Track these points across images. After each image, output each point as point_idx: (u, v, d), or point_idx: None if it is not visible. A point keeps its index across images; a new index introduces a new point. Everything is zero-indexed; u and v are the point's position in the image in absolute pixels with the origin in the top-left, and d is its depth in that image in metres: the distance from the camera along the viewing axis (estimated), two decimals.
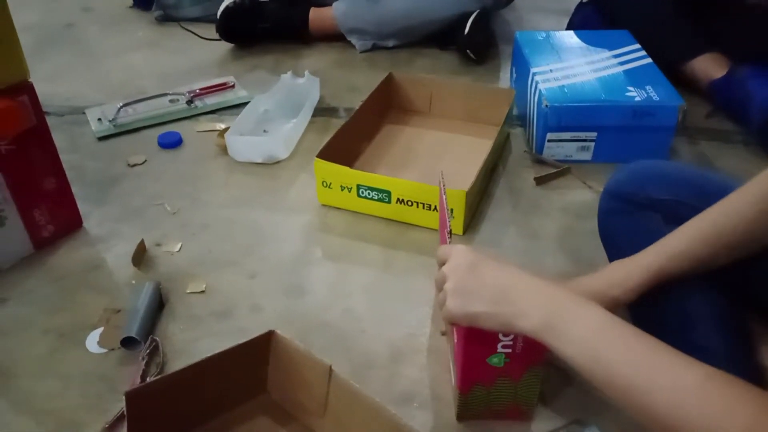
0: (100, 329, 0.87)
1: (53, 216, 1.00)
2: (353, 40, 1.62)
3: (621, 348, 0.55)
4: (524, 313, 0.60)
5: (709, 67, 1.33)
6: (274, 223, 1.08)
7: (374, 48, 1.63)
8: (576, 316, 0.58)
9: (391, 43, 1.62)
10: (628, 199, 0.83)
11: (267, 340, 0.75)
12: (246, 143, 1.20)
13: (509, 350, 0.68)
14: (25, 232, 0.96)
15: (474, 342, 0.67)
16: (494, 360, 0.69)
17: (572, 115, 1.16)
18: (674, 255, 0.73)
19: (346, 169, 1.07)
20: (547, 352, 0.61)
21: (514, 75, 1.42)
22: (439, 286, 0.68)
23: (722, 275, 0.75)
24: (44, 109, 1.35)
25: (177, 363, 0.83)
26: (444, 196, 0.79)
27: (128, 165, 1.20)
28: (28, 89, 0.90)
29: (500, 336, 0.66)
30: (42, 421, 0.76)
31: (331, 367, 0.70)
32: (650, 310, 0.79)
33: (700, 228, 0.73)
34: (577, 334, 0.57)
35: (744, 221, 0.70)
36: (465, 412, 0.75)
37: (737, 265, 0.74)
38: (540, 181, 1.15)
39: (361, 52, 1.62)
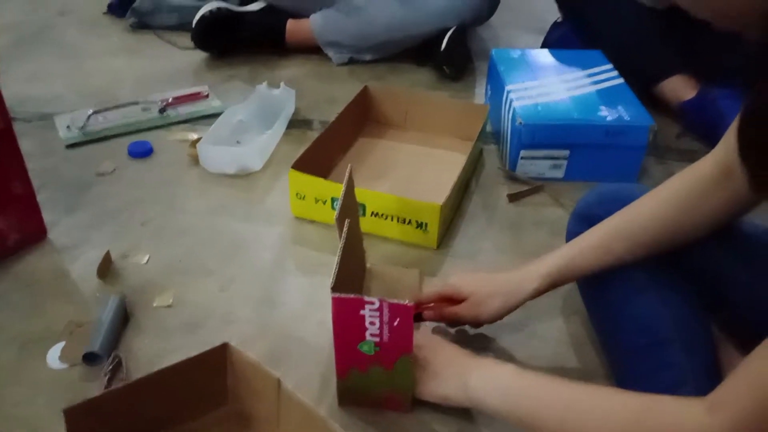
0: (62, 343, 0.85)
1: (18, 224, 0.97)
2: (330, 52, 1.62)
3: (534, 398, 0.64)
4: (448, 386, 0.73)
5: (679, 88, 1.35)
6: (247, 234, 1.06)
7: (351, 61, 1.63)
8: (485, 377, 0.70)
9: (368, 56, 1.62)
10: (596, 222, 0.84)
11: (222, 352, 0.74)
12: (219, 153, 1.18)
13: (377, 339, 0.71)
14: None
15: (344, 329, 0.71)
16: (365, 348, 0.72)
17: (546, 133, 1.17)
18: (585, 248, 0.79)
19: (320, 180, 1.06)
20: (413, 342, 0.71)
21: (489, 92, 1.43)
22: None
23: (687, 280, 0.77)
24: (13, 115, 1.33)
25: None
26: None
27: (97, 174, 1.18)
28: None
29: (367, 324, 0.70)
30: None
31: (279, 379, 0.69)
32: (616, 328, 0.81)
33: (615, 222, 0.78)
34: (490, 390, 0.68)
35: (658, 215, 0.75)
36: (345, 396, 0.78)
37: (700, 271, 0.76)
38: (513, 198, 1.16)
39: (337, 65, 1.62)
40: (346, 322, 0.71)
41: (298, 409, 0.68)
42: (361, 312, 0.69)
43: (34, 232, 1.00)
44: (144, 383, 0.69)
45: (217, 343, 0.82)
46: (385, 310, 0.68)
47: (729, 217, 0.73)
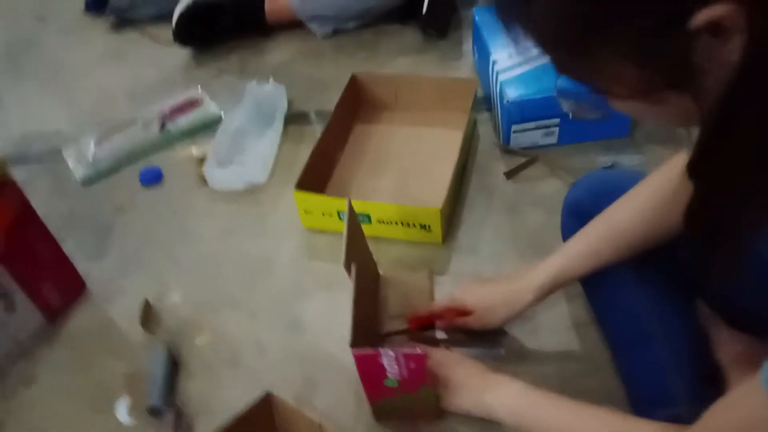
0: (126, 398, 0.96)
1: (58, 286, 1.06)
2: (313, 26, 1.61)
3: (538, 418, 0.74)
4: (467, 401, 0.83)
5: None
6: (265, 255, 1.14)
7: (335, 32, 1.61)
8: (497, 396, 0.79)
9: (351, 24, 1.61)
10: (586, 218, 0.89)
11: (267, 401, 0.83)
12: (224, 174, 1.24)
13: (398, 377, 0.80)
14: (36, 309, 1.03)
15: (367, 374, 0.81)
16: (389, 383, 0.81)
17: (534, 106, 1.18)
18: (574, 256, 0.85)
19: (324, 198, 1.12)
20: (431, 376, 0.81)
21: (476, 54, 1.43)
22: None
23: (673, 264, 0.82)
24: (25, 155, 1.39)
25: (201, 422, 0.92)
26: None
27: (115, 210, 1.25)
28: (7, 183, 0.94)
29: (387, 369, 0.79)
30: None
31: (321, 424, 0.79)
32: (608, 324, 0.89)
33: (599, 227, 0.83)
34: (503, 408, 0.78)
35: (640, 218, 0.79)
36: (378, 414, 0.89)
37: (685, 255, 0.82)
38: (510, 174, 1.20)
39: (322, 38, 1.61)
40: (368, 370, 0.80)
41: None
42: (380, 361, 0.77)
43: (74, 288, 1.09)
44: None
45: (258, 375, 0.94)
46: (401, 359, 0.77)
47: None
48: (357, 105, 1.36)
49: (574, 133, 1.23)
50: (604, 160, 1.20)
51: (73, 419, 0.95)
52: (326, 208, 1.11)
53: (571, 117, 1.19)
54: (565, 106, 1.16)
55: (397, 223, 1.10)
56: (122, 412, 0.94)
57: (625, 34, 0.46)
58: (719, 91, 0.45)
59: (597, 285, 0.89)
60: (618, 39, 0.47)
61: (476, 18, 1.37)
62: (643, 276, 0.84)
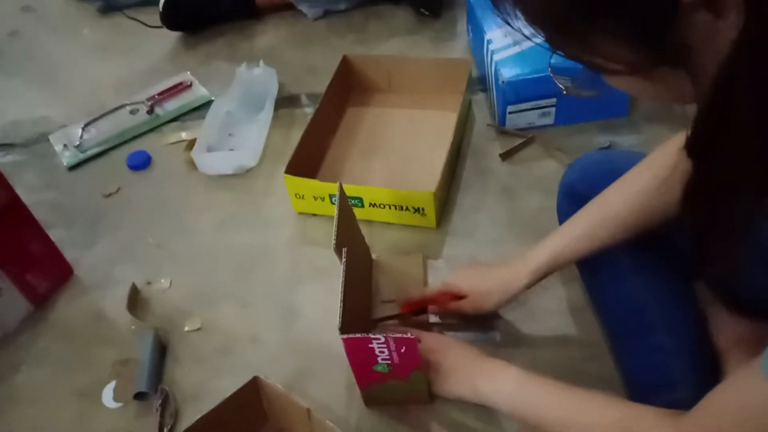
0: (113, 383, 0.94)
1: (44, 273, 1.04)
2: (303, 8, 1.58)
3: (534, 404, 0.72)
4: (460, 388, 0.80)
5: None
6: (256, 242, 1.11)
7: (326, 14, 1.58)
8: (493, 383, 0.77)
9: (342, 5, 1.58)
10: (582, 201, 0.87)
11: (254, 385, 0.82)
12: (213, 159, 1.21)
13: (389, 361, 0.78)
14: (22, 296, 1.01)
15: (357, 359, 0.79)
16: (379, 368, 0.79)
17: (529, 86, 1.16)
18: (570, 239, 0.83)
19: (315, 182, 1.09)
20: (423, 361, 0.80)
21: (470, 34, 1.40)
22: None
23: (672, 244, 0.80)
24: (11, 142, 1.36)
25: (189, 407, 0.90)
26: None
27: (103, 196, 1.22)
28: None
29: (377, 354, 0.77)
30: None
31: (308, 409, 0.77)
32: (606, 310, 0.87)
33: (595, 210, 0.81)
34: (498, 395, 0.76)
35: (635, 200, 0.77)
36: (369, 400, 0.87)
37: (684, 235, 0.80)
38: (505, 156, 1.18)
39: (314, 21, 1.58)
40: (358, 355, 0.78)
41: None
42: (370, 346, 0.76)
43: (61, 275, 1.07)
44: (197, 429, 0.78)
45: (251, 363, 0.92)
46: (391, 343, 0.75)
47: None
48: (349, 88, 1.33)
49: (571, 114, 1.20)
50: (602, 140, 1.18)
51: (61, 404, 0.93)
52: (317, 192, 1.09)
53: (564, 93, 1.17)
54: (560, 84, 1.14)
55: (390, 207, 1.07)
56: (108, 397, 0.92)
57: (618, 10, 0.44)
58: (715, 68, 0.43)
59: (594, 270, 0.88)
60: (611, 15, 0.45)
61: None
62: (642, 261, 0.82)
